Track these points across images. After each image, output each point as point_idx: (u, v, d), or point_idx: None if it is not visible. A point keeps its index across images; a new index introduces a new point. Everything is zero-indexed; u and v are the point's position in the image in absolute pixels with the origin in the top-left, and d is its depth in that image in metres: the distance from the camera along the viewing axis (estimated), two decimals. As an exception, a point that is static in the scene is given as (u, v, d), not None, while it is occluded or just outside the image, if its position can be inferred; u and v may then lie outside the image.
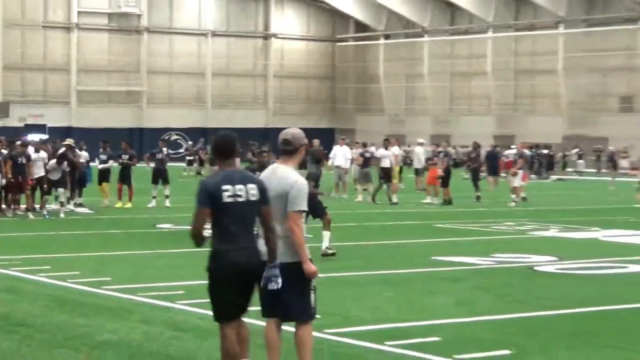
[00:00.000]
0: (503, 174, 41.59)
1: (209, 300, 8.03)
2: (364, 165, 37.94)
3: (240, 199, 8.07)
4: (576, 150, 68.93)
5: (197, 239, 8.14)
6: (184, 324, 10.84)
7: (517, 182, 36.34)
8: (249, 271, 8.09)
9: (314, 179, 20.99)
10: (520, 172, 36.97)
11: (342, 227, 25.83)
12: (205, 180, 8.56)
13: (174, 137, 74.62)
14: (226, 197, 8.02)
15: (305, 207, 8.44)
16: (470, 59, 78.28)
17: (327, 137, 63.93)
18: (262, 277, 8.23)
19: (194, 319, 11.61)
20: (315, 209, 18.14)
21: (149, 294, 12.68)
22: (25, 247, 20.03)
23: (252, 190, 8.14)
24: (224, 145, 8.46)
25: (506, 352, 10.21)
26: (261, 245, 8.52)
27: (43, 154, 28.86)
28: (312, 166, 20.18)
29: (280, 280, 8.15)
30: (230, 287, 8.06)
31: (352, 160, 39.58)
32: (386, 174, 36.22)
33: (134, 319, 11.84)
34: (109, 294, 13.42)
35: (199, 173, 57.70)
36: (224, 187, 8.05)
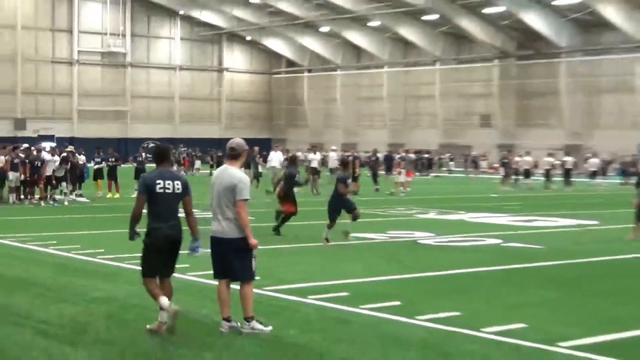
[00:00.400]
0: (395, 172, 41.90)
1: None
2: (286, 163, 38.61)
3: (168, 191, 8.96)
4: (448, 154, 69.44)
5: (134, 218, 9.09)
6: (187, 288, 10.78)
7: (402, 178, 36.58)
8: (175, 241, 9.06)
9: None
10: (404, 170, 37.26)
11: (435, 222, 25.78)
12: (145, 175, 9.48)
13: (151, 144, 73.96)
14: (158, 189, 8.91)
15: (248, 197, 8.98)
16: (371, 87, 79.24)
17: (265, 146, 63.83)
18: (181, 244, 9.15)
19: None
20: (347, 205, 17.64)
21: (132, 262, 12.56)
22: (38, 227, 19.96)
23: (178, 185, 9.07)
24: (160, 153, 9.41)
25: (397, 302, 10.71)
26: (219, 224, 9.03)
27: (56, 157, 28.71)
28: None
29: (200, 250, 9.19)
30: (160, 254, 8.97)
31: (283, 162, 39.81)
32: (314, 172, 36.15)
33: (120, 280, 12.20)
34: (102, 262, 13.53)
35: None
36: (158, 181, 8.94)
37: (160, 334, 8.80)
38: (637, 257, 15.57)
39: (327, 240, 17.51)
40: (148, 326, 8.97)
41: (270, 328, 8.92)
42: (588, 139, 64.03)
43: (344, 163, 25.23)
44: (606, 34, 63.84)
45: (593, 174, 48.58)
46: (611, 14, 59.70)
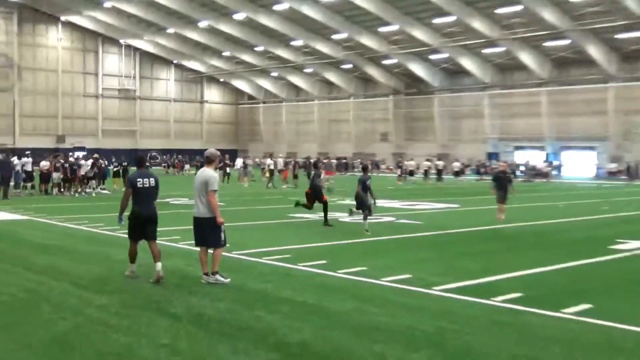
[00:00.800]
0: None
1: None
2: (245, 166, 39.00)
3: (145, 185, 9.29)
4: (359, 160, 69.76)
5: (123, 203, 9.43)
6: (178, 253, 10.66)
7: (323, 176, 36.81)
8: (150, 218, 9.34)
9: (362, 182, 15.54)
10: (323, 172, 37.41)
11: (241, 200, 25.49)
12: (130, 176, 9.86)
13: (154, 153, 73.37)
14: (139, 184, 9.25)
15: (216, 188, 9.04)
16: (306, 114, 79.28)
17: (234, 154, 63.20)
18: (153, 221, 9.39)
19: (168, 248, 11.45)
20: (361, 202, 15.37)
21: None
22: (73, 211, 19.49)
23: (152, 181, 9.36)
24: (139, 159, 9.91)
25: (325, 261, 10.68)
26: (198, 208, 9.13)
27: (89, 162, 28.52)
28: (364, 173, 16.11)
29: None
30: (139, 226, 9.27)
31: (246, 165, 39.92)
32: (271, 172, 36.10)
33: (143, 249, 11.60)
34: (119, 235, 13.03)
35: (167, 172, 56.53)
36: (138, 179, 9.30)
37: (134, 277, 9.33)
38: (486, 229, 15.78)
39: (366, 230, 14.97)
40: (126, 273, 9.48)
41: (229, 280, 8.98)
42: (453, 149, 65.00)
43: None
44: (464, 78, 64.81)
45: (456, 173, 49.43)
46: (467, 64, 60.68)
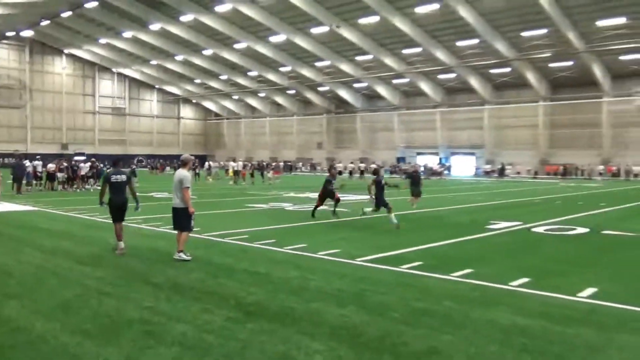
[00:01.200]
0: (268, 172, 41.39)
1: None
2: (209, 168, 38.68)
3: (118, 180, 9.30)
4: (300, 163, 69.72)
5: (101, 194, 9.43)
6: (146, 236, 10.32)
7: (270, 175, 36.43)
8: (119, 205, 9.32)
9: (378, 183, 13.67)
10: (272, 172, 37.19)
11: (210, 194, 25.11)
12: (106, 173, 9.87)
13: (140, 158, 71.49)
14: (113, 180, 9.28)
15: (188, 185, 8.69)
16: (260, 127, 78.39)
17: (204, 159, 62.20)
18: (123, 207, 9.36)
19: (145, 231, 11.12)
20: (381, 201, 13.52)
21: (131, 223, 11.98)
22: (75, 203, 18.70)
23: (123, 178, 9.37)
24: (115, 161, 9.99)
25: (274, 240, 10.48)
26: (175, 200, 8.82)
27: (87, 164, 27.68)
28: (377, 175, 14.36)
29: (139, 209, 9.50)
30: (114, 210, 9.33)
31: (212, 167, 39.40)
32: (236, 173, 35.67)
33: (125, 236, 11.11)
34: (110, 221, 12.61)
35: (151, 172, 55.17)
36: (113, 176, 9.33)
37: (123, 254, 9.12)
38: (396, 214, 16.01)
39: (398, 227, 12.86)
40: (114, 247, 9.42)
41: (190, 258, 8.65)
42: (371, 155, 65.73)
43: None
44: (379, 101, 65.63)
45: (373, 173, 49.86)
46: (381, 90, 61.47)
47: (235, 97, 77.16)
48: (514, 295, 6.74)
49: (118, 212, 9.42)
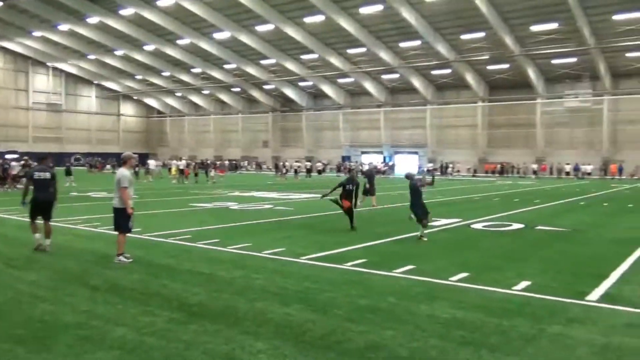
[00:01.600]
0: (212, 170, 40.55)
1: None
2: (147, 166, 38.32)
3: (41, 177, 9.13)
4: (246, 161, 69.18)
5: (24, 191, 9.25)
6: (82, 237, 9.96)
7: (213, 173, 35.76)
8: (44, 202, 9.08)
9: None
10: (214, 170, 36.59)
11: (152, 193, 24.55)
12: (29, 170, 9.78)
13: (78, 156, 69.03)
14: (36, 176, 9.12)
15: (126, 185, 8.36)
16: (204, 126, 77.05)
17: (145, 157, 60.66)
18: (49, 204, 9.15)
19: (82, 232, 10.79)
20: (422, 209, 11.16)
21: (59, 222, 11.53)
22: (6, 204, 17.79)
23: (47, 175, 9.16)
24: (41, 157, 9.71)
25: (217, 240, 10.47)
26: (115, 200, 8.44)
27: (20, 163, 26.59)
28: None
29: (56, 208, 9.32)
30: (36, 208, 9.08)
31: (152, 165, 38.71)
32: (182, 172, 34.97)
33: (60, 237, 10.61)
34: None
35: (90, 171, 53.48)
36: (36, 172, 9.18)
37: (42, 249, 9.08)
38: (342, 213, 16.10)
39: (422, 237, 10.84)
40: (39, 245, 9.15)
41: (131, 260, 8.41)
42: (317, 153, 66.03)
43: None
44: (325, 100, 66.00)
45: (319, 172, 50.19)
46: (327, 89, 61.85)
47: (179, 94, 75.59)
48: (453, 289, 6.92)
49: (41, 210, 9.17)
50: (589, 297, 6.54)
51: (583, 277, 7.62)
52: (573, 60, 47.16)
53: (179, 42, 55.97)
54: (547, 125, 52.73)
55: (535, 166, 52.14)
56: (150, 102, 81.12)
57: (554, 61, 48.21)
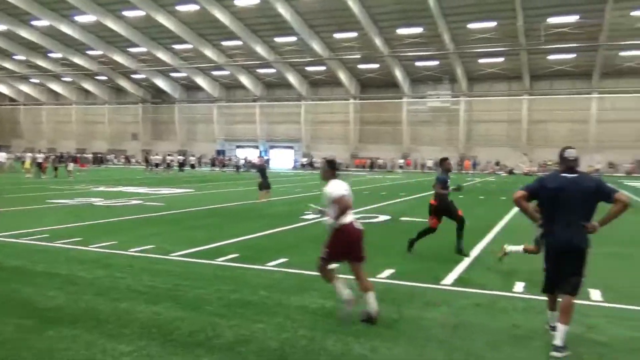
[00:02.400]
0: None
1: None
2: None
3: None
4: (113, 155, 65.35)
5: None
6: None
7: (71, 167, 33.09)
8: None
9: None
10: (71, 164, 34.15)
11: (7, 189, 22.33)
12: None
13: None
14: None
15: None
16: (65, 116, 71.93)
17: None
18: None
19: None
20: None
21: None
22: None
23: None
24: None
25: (80, 238, 9.92)
26: None
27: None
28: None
29: None
30: None
31: (8, 159, 35.17)
32: (38, 165, 32.29)
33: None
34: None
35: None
36: None
37: None
38: (211, 207, 15.85)
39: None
40: None
41: None
42: (190, 147, 64.40)
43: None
44: (199, 92, 64.55)
45: (192, 166, 48.88)
46: (201, 82, 60.64)
47: (35, 80, 69.37)
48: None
49: None
50: (443, 282, 7.11)
51: (440, 263, 8.26)
52: (435, 63, 50.93)
53: (35, 23, 51.58)
54: (412, 123, 56.37)
55: (401, 161, 55.53)
56: (1, 88, 73.50)
57: (418, 63, 51.68)
